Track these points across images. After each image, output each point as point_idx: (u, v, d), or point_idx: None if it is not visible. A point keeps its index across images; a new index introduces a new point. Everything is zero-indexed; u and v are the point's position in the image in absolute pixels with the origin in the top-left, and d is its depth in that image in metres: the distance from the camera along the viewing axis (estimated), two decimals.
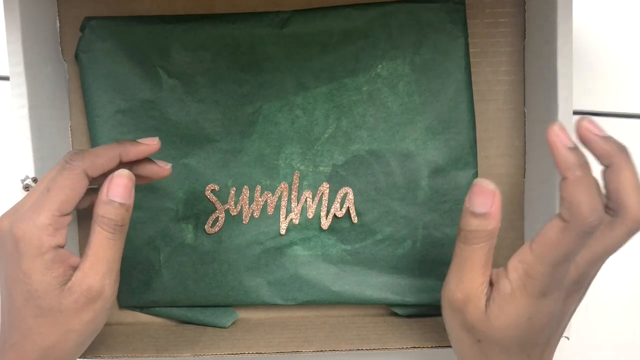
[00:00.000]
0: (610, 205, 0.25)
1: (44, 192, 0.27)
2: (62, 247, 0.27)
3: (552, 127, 0.24)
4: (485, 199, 0.25)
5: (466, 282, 0.26)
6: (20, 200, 0.28)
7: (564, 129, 0.24)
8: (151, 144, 0.30)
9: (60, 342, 0.27)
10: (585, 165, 0.24)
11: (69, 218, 0.27)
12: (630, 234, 0.25)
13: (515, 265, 0.25)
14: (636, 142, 0.38)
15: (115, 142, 0.29)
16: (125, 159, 0.29)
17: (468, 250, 0.26)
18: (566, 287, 0.26)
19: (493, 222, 0.25)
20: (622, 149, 0.25)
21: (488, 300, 0.26)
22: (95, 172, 0.28)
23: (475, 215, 0.25)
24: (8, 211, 0.28)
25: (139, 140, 0.30)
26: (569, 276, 0.25)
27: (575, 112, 0.35)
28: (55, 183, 0.27)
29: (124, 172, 0.27)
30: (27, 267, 0.26)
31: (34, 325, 0.26)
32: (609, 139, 0.25)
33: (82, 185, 0.27)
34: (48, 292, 0.26)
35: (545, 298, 0.25)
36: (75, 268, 0.27)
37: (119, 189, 0.27)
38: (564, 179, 0.24)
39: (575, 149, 0.24)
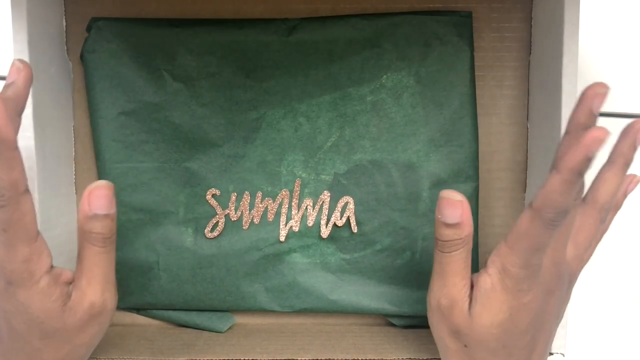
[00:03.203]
0: (586, 196, 0.28)
1: (2, 234, 0.25)
2: (51, 266, 0.26)
3: (592, 133, 0.22)
4: (455, 210, 0.26)
5: (449, 286, 0.27)
6: None
7: (602, 141, 0.23)
8: (21, 70, 0.26)
9: (69, 355, 0.27)
10: (582, 176, 0.24)
11: (40, 236, 0.26)
12: (596, 220, 0.28)
13: (494, 259, 0.27)
14: None
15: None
16: (11, 148, 0.24)
17: (447, 257, 0.27)
18: (546, 282, 0.26)
19: (466, 230, 0.26)
20: (630, 162, 0.28)
21: (471, 302, 0.27)
22: (23, 185, 0.25)
23: (448, 225, 0.26)
24: None
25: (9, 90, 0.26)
26: (546, 270, 0.26)
27: None
28: (4, 222, 0.24)
29: (101, 183, 0.26)
30: (24, 298, 0.26)
31: (42, 346, 0.26)
32: (636, 148, 0.28)
33: (29, 203, 0.25)
34: (50, 316, 0.26)
35: (524, 293, 0.26)
36: (70, 282, 0.27)
37: (100, 200, 0.26)
38: (556, 170, 0.24)
39: (590, 160, 0.23)
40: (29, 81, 0.26)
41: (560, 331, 0.32)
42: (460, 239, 0.27)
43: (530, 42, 0.36)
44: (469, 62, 0.35)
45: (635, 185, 0.30)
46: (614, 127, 0.38)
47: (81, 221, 0.26)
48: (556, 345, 0.32)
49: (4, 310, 0.26)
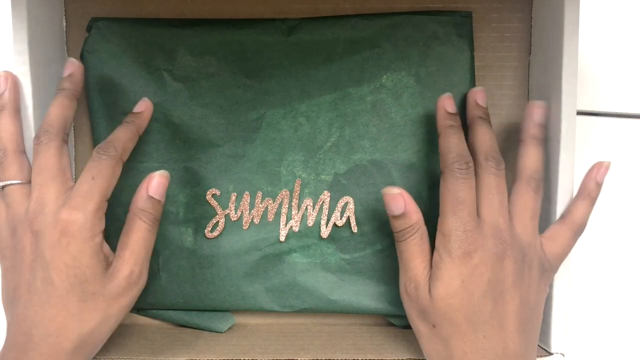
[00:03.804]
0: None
1: (89, 180, 0.28)
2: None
3: (442, 95, 0.32)
4: (397, 202, 0.29)
5: (410, 270, 0.30)
6: (46, 190, 0.29)
7: (451, 98, 0.32)
8: (148, 107, 0.33)
9: (98, 328, 0.28)
10: (456, 125, 0.31)
11: (106, 204, 0.29)
12: (527, 189, 0.30)
13: (436, 236, 0.29)
14: (636, 142, 0.38)
15: (126, 123, 0.32)
16: (140, 133, 0.32)
17: (403, 245, 0.30)
18: (490, 246, 0.28)
19: (413, 217, 0.30)
20: (538, 136, 0.32)
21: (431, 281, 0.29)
22: (126, 157, 0.31)
23: (396, 217, 0.30)
24: (40, 204, 0.28)
25: (136, 111, 0.33)
26: (488, 233, 0.28)
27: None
28: (99, 172, 0.29)
29: (164, 173, 0.30)
30: (78, 251, 0.27)
31: (77, 311, 0.28)
32: (538, 124, 0.32)
33: (119, 171, 0.30)
34: (95, 276, 0.28)
35: (469, 255, 0.28)
36: (107, 256, 0.29)
37: (159, 187, 0.30)
38: (439, 135, 0.31)
39: (454, 114, 0.32)
40: (17, 84, 0.31)
41: (560, 331, 0.32)
42: (410, 226, 0.30)
43: (530, 42, 0.36)
44: (469, 62, 0.35)
45: (606, 171, 0.32)
46: (614, 127, 0.38)
47: (137, 199, 0.30)
48: (556, 345, 0.32)
49: (49, 267, 0.27)
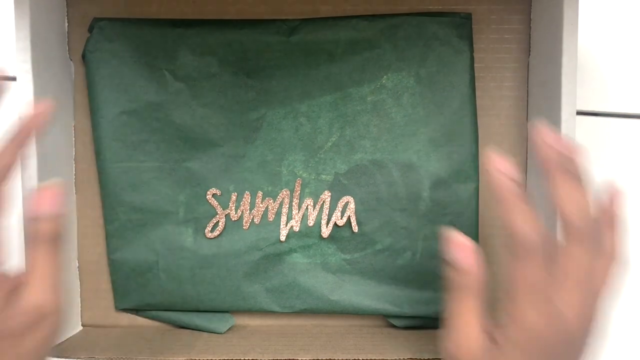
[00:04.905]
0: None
1: None
2: None
3: (496, 160, 0.24)
4: (467, 255, 0.25)
5: (456, 333, 0.25)
6: None
7: (506, 162, 0.24)
8: (44, 110, 0.27)
9: None
10: (521, 194, 0.24)
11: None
12: (579, 251, 0.23)
13: (508, 320, 0.24)
14: (636, 142, 0.38)
15: (8, 142, 0.26)
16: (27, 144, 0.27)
17: (457, 302, 0.25)
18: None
19: (478, 273, 0.25)
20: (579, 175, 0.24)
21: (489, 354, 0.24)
22: (6, 182, 0.26)
23: (457, 269, 0.25)
24: None
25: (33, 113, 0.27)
26: (563, 321, 0.23)
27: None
28: None
29: (52, 182, 0.26)
30: None
31: None
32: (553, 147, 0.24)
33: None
34: None
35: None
36: (16, 285, 0.25)
37: (49, 201, 0.25)
38: (504, 208, 0.24)
39: (516, 181, 0.24)
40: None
41: None
42: (472, 283, 0.25)
43: (530, 42, 0.36)
44: (469, 63, 0.35)
45: (618, 191, 0.26)
46: (614, 127, 0.38)
47: (28, 221, 0.25)
48: None
49: None
